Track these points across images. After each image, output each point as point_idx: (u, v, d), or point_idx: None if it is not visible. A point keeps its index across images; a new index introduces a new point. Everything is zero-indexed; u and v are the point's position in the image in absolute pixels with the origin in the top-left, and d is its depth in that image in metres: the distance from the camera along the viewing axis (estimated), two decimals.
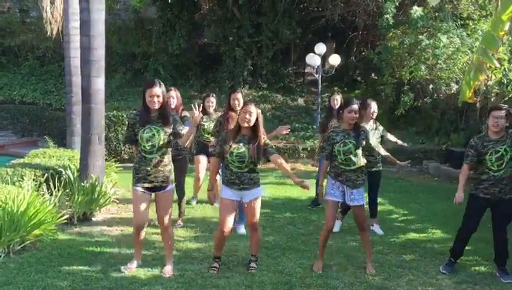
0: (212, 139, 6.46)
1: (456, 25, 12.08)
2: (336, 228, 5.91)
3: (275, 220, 6.48)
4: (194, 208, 6.96)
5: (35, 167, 6.54)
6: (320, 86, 12.59)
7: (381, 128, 6.07)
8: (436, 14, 12.10)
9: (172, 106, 5.72)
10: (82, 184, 6.18)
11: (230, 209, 4.50)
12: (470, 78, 5.35)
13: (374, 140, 5.89)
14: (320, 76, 12.34)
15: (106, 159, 7.74)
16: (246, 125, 4.36)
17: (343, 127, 4.68)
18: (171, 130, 4.35)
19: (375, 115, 5.91)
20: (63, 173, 6.35)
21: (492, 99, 10.64)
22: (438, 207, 7.59)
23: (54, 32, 11.03)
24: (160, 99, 4.25)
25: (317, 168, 7.82)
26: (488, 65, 5.29)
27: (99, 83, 6.60)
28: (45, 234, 5.09)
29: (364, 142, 4.66)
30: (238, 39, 14.38)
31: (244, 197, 4.49)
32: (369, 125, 5.86)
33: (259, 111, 4.46)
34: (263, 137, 4.42)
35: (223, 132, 4.61)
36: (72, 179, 6.26)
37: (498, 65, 6.60)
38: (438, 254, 5.26)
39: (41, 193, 5.63)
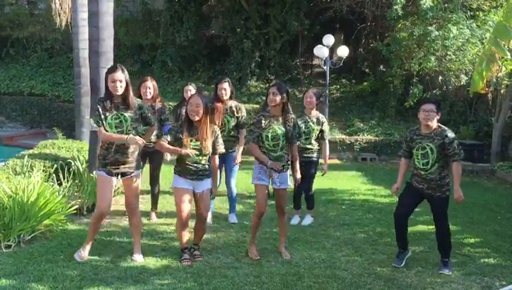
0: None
1: (466, 16, 11.95)
2: (294, 221, 5.95)
3: None
4: None
5: (45, 158, 6.58)
6: (328, 78, 12.51)
7: (324, 125, 5.89)
8: (446, 5, 11.96)
9: (149, 97, 5.69)
10: (91, 175, 6.21)
11: (187, 197, 4.44)
12: (482, 68, 5.30)
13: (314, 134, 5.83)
14: (328, 68, 12.26)
15: None
16: (196, 118, 4.31)
17: (273, 112, 4.62)
18: (138, 116, 4.36)
19: (310, 104, 5.80)
20: (72, 164, 6.38)
21: (502, 91, 10.56)
22: None
23: (63, 23, 11.06)
24: (123, 84, 4.22)
25: None
26: (499, 55, 5.23)
27: None
28: (55, 224, 5.14)
29: (291, 129, 4.61)
30: (245, 31, 14.32)
31: (196, 187, 4.48)
32: (312, 116, 5.82)
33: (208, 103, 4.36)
34: (214, 129, 4.43)
35: (176, 124, 4.46)
36: (81, 170, 6.28)
37: (510, 56, 6.52)
38: None
39: (51, 183, 5.66)
